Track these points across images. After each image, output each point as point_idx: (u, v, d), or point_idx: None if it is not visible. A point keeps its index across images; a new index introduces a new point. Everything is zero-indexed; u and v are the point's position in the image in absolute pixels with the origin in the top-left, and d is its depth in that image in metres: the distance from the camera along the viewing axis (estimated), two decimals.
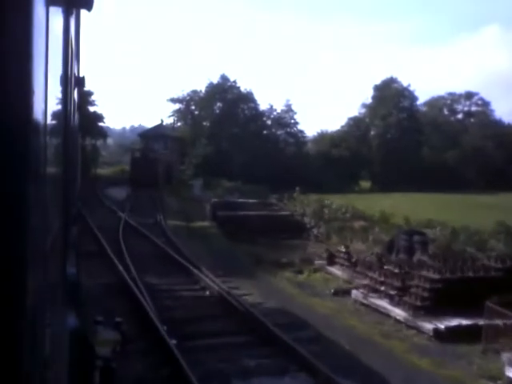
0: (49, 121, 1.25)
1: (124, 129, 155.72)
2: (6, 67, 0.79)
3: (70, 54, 2.75)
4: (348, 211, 25.16)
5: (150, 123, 72.38)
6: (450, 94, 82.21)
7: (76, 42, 3.87)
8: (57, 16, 1.62)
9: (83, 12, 3.42)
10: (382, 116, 71.19)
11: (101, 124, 55.51)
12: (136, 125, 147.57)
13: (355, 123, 75.68)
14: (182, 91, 72.53)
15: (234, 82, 71.52)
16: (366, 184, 75.03)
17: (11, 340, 0.83)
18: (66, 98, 2.41)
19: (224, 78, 71.99)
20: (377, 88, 75.89)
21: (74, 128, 4.74)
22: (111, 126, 64.60)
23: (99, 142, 59.33)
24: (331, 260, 18.68)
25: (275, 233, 22.69)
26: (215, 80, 71.16)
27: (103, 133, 57.16)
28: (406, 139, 70.69)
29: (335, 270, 18.10)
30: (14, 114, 0.81)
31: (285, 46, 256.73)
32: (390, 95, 72.79)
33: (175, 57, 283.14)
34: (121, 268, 13.97)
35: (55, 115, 1.62)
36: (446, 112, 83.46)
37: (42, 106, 1.08)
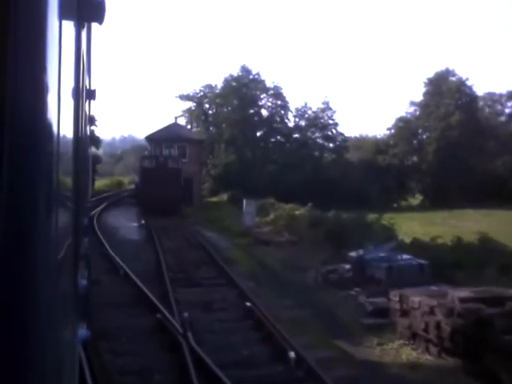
0: (61, 132, 1.31)
1: (113, 139, 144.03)
2: (20, 80, 0.84)
3: (82, 67, 2.78)
4: None
5: (143, 132, 57.62)
6: (489, 93, 68.90)
7: (88, 55, 3.75)
8: (69, 29, 1.66)
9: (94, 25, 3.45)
10: (441, 116, 56.72)
11: (92, 128, 40.33)
12: (126, 135, 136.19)
13: (405, 125, 60.95)
14: (193, 85, 57.70)
15: (258, 74, 57.66)
16: (413, 198, 61.08)
17: (22, 352, 0.84)
18: (77, 111, 2.42)
19: (245, 70, 57.72)
20: (430, 82, 61.60)
21: (86, 140, 4.76)
22: (100, 136, 50.70)
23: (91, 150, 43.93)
24: None
25: None
26: (235, 73, 56.57)
27: (95, 138, 42.44)
28: (468, 144, 56.52)
29: None
30: (28, 126, 0.86)
31: (319, 36, 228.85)
32: (448, 90, 58.38)
33: (181, 49, 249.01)
34: None
35: (67, 127, 1.70)
36: (486, 114, 69.71)
37: (55, 118, 1.13)
